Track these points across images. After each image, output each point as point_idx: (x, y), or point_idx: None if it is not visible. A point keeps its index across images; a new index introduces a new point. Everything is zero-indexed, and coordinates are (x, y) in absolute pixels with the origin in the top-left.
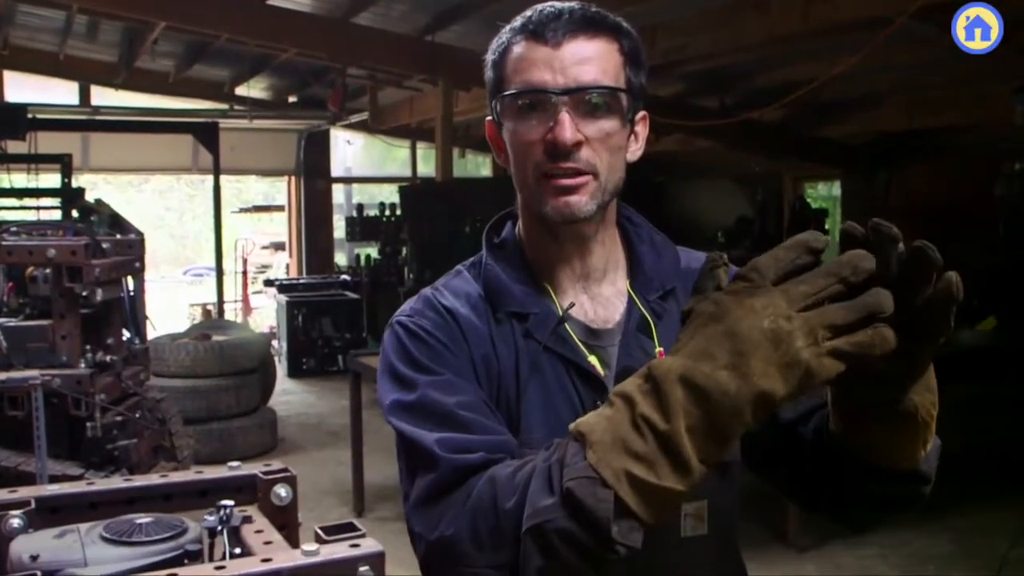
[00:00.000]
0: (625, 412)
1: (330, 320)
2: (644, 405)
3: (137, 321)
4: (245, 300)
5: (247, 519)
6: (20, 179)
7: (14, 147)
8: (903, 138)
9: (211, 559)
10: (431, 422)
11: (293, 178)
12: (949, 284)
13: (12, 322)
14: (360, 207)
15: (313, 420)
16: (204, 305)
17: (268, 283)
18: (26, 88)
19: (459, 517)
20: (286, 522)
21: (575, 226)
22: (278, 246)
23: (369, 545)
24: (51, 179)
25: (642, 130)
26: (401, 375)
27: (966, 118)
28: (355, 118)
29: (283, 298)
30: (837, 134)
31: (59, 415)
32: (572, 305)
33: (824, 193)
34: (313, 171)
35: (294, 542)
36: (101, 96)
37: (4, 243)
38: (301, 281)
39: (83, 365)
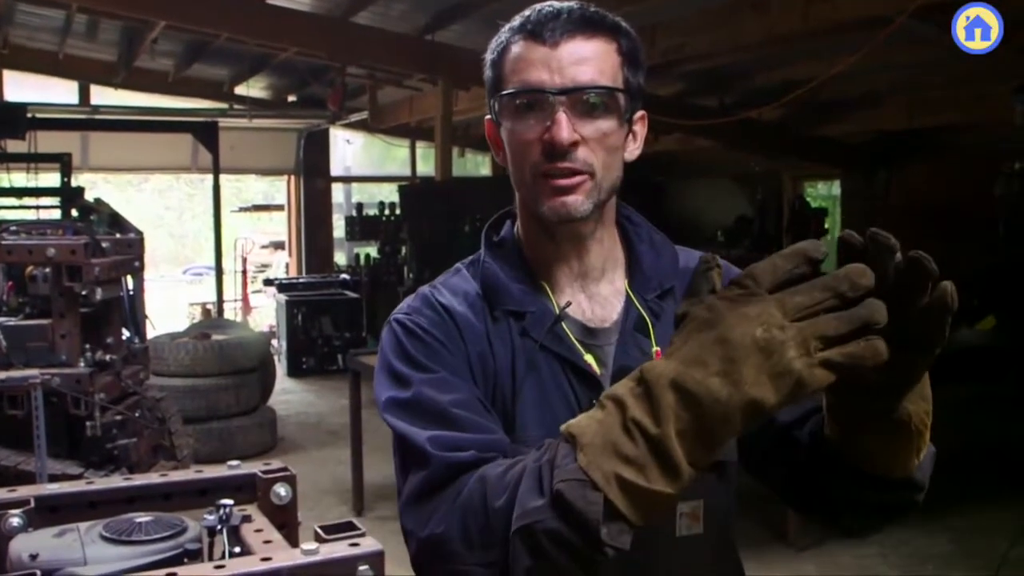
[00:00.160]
0: (616, 415)
1: (330, 319)
2: (635, 409)
3: (137, 320)
4: (245, 299)
5: (247, 518)
6: (20, 178)
7: (13, 146)
8: (903, 137)
9: (211, 558)
10: (425, 419)
11: (292, 177)
12: (944, 294)
13: (12, 321)
14: (360, 206)
15: (312, 419)
16: (204, 304)
17: (268, 282)
18: (26, 87)
19: (449, 515)
20: (286, 521)
21: (572, 226)
22: (277, 245)
23: (369, 544)
24: (51, 178)
25: (640, 130)
26: (397, 372)
27: (966, 118)
28: (355, 117)
29: (283, 297)
30: (837, 133)
31: (59, 414)
32: (569, 304)
33: (824, 192)
34: (312, 170)
35: (294, 541)
36: (100, 95)
37: (4, 242)
38: (301, 280)
39: (83, 364)
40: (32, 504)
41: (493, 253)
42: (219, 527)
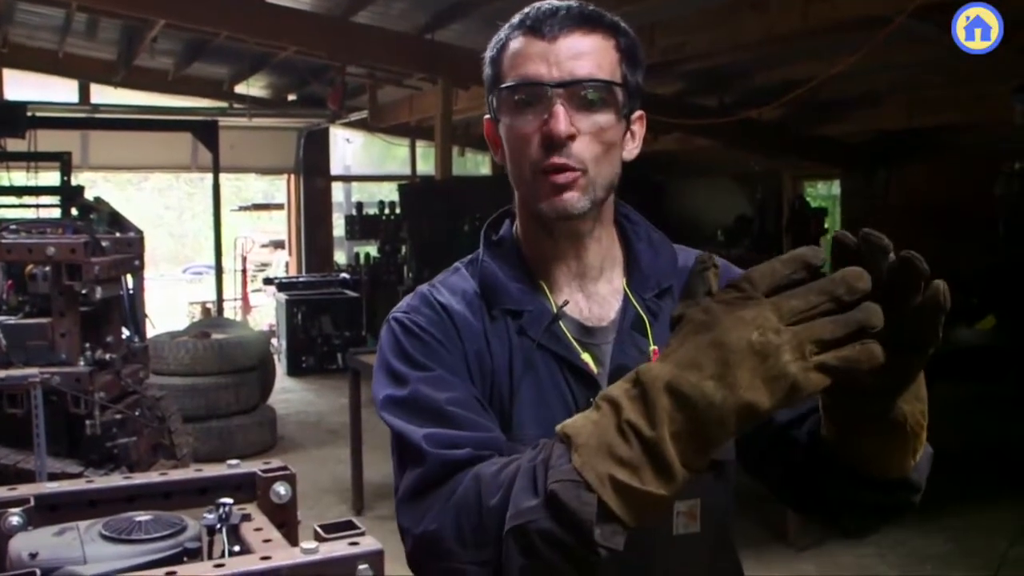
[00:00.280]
0: (611, 417)
1: (329, 318)
2: (630, 411)
3: (136, 319)
4: (244, 298)
5: (246, 517)
6: (19, 177)
7: (13, 145)
8: (902, 137)
9: (210, 557)
10: (421, 417)
11: (292, 176)
12: (936, 293)
13: (11, 320)
14: (359, 205)
15: (312, 418)
16: (203, 303)
17: (267, 281)
18: (25, 86)
19: (443, 513)
20: (285, 520)
21: (570, 223)
22: (277, 244)
23: (368, 543)
24: (50, 177)
25: (639, 130)
26: (395, 371)
27: (966, 117)
28: (354, 116)
29: (282, 296)
30: (836, 133)
31: (58, 413)
32: (566, 303)
33: (823, 192)
34: (312, 169)
35: (293, 540)
36: (100, 94)
37: (3, 241)
38: (300, 279)
39: (82, 363)
40: (32, 503)
41: (491, 252)
42: (219, 526)
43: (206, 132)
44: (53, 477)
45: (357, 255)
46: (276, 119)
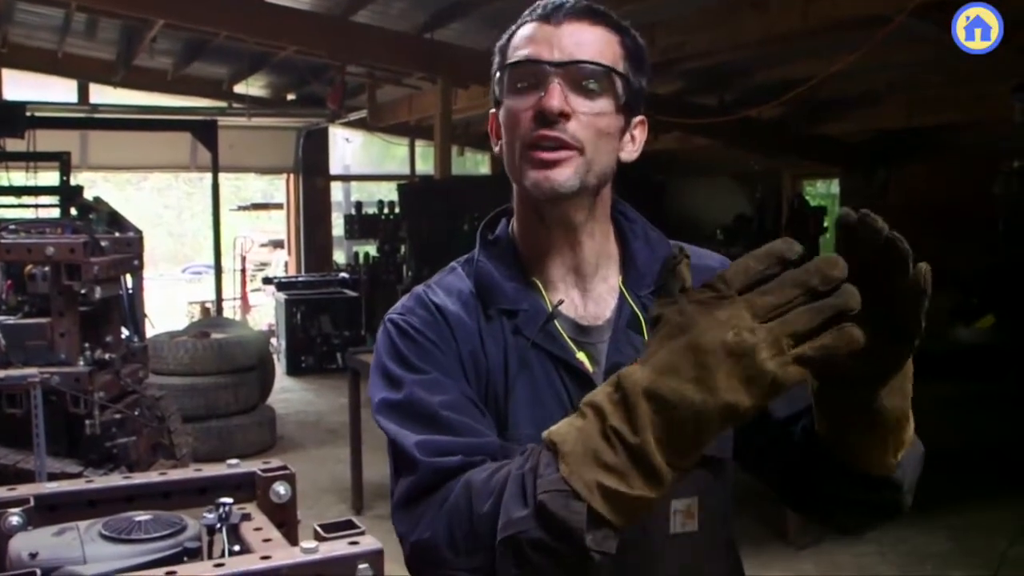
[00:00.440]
0: (596, 423)
1: (329, 318)
2: (614, 417)
3: (136, 319)
4: (244, 298)
5: (246, 517)
6: (19, 177)
7: (13, 145)
8: (902, 136)
9: (210, 556)
10: (414, 422)
11: (292, 176)
12: (918, 275)
13: (11, 320)
14: (359, 205)
15: (312, 418)
16: (203, 303)
17: (267, 281)
18: (24, 86)
19: (436, 521)
20: (285, 520)
21: (561, 207)
22: (277, 244)
23: (368, 543)
24: (50, 177)
25: (640, 134)
26: (390, 373)
27: (965, 116)
28: (354, 116)
29: (282, 296)
30: (836, 132)
31: (58, 413)
32: (561, 302)
33: (823, 191)
34: (312, 169)
35: (293, 540)
36: (100, 94)
37: (3, 241)
38: (300, 279)
39: (82, 363)
40: (31, 503)
41: (487, 251)
42: (218, 525)
43: (205, 132)
44: (53, 477)
45: (356, 255)
46: (275, 119)
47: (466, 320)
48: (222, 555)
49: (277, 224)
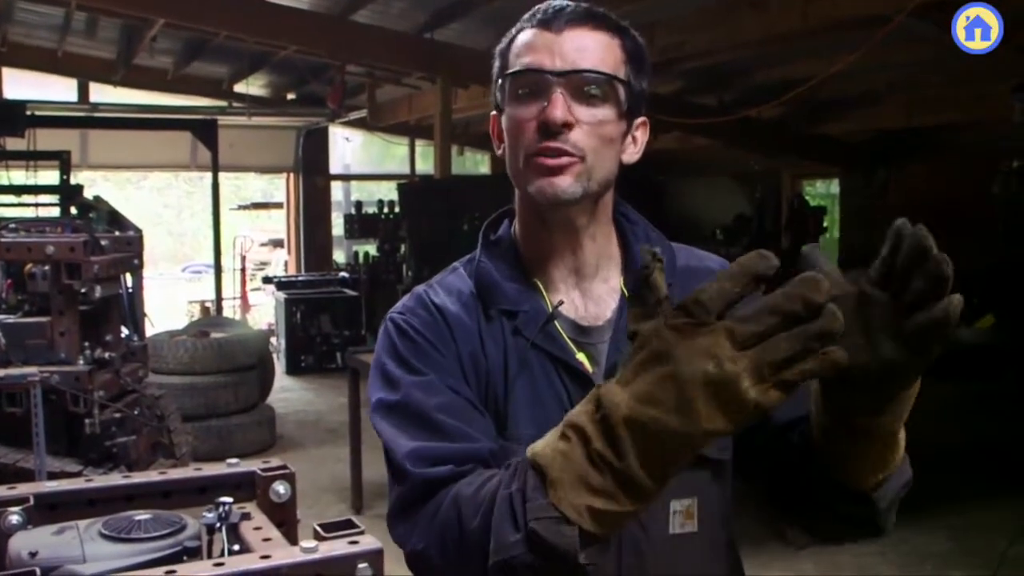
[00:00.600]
0: (580, 448)
1: (328, 317)
2: (597, 442)
3: (136, 318)
4: (243, 297)
5: (246, 516)
6: (19, 176)
7: (13, 144)
8: (902, 136)
9: (210, 556)
10: (409, 424)
11: (292, 175)
12: (949, 304)
13: (11, 319)
14: (359, 204)
15: (311, 417)
16: (203, 302)
17: (267, 280)
18: (25, 85)
19: (428, 532)
20: (285, 519)
21: (563, 212)
22: (276, 243)
23: (368, 542)
24: (50, 176)
25: (641, 136)
26: (388, 373)
27: (965, 116)
28: (354, 115)
29: (281, 295)
30: (836, 132)
31: (58, 412)
32: (561, 302)
33: (822, 191)
34: (312, 168)
35: (293, 539)
36: (100, 93)
37: (3, 240)
38: (300, 278)
39: (82, 362)
40: (31, 502)
41: (489, 252)
42: (218, 525)
43: (205, 131)
44: (52, 476)
45: (356, 254)
46: (275, 118)
47: (466, 320)
48: (222, 554)
49: (277, 223)
